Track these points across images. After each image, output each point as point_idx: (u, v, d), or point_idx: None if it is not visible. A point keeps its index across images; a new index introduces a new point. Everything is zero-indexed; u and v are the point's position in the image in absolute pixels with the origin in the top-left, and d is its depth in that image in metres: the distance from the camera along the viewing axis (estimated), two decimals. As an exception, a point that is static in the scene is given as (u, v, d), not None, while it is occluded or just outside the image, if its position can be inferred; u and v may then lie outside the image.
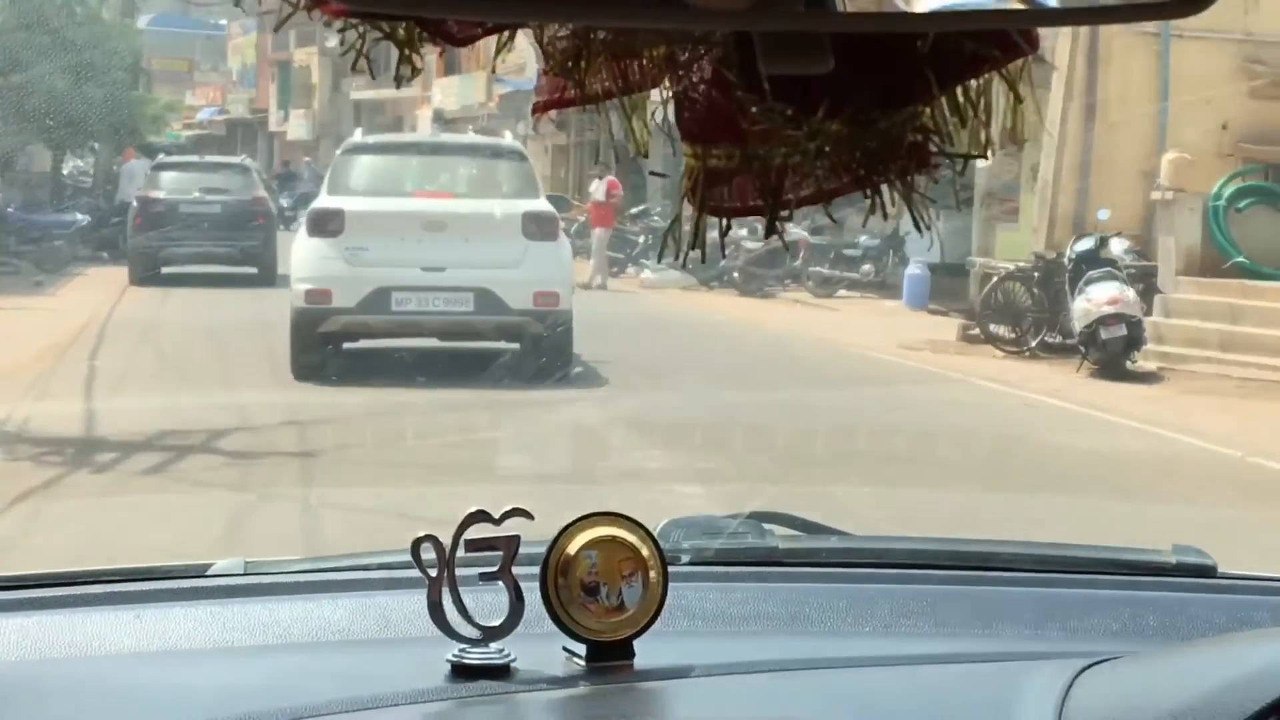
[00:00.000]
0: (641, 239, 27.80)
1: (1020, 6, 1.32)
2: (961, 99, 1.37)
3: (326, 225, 13.97)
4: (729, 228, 1.44)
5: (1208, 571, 2.40)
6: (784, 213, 1.41)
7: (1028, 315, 17.61)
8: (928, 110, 1.37)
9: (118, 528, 8.05)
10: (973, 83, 1.37)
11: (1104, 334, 15.58)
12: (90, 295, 20.76)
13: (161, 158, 28.90)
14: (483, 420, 11.88)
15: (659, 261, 24.86)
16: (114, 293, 21.23)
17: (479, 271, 13.72)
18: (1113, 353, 15.59)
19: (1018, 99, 1.39)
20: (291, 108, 62.53)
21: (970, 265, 21.10)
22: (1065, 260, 17.08)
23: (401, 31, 1.34)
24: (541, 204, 14.69)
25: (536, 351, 14.08)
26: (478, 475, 9.50)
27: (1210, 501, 9.41)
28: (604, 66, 1.41)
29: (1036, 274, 17.82)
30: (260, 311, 17.58)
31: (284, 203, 36.99)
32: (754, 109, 1.35)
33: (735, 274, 24.31)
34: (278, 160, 65.02)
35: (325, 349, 13.90)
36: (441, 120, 49.67)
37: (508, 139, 16.05)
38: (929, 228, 1.41)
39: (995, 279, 18.31)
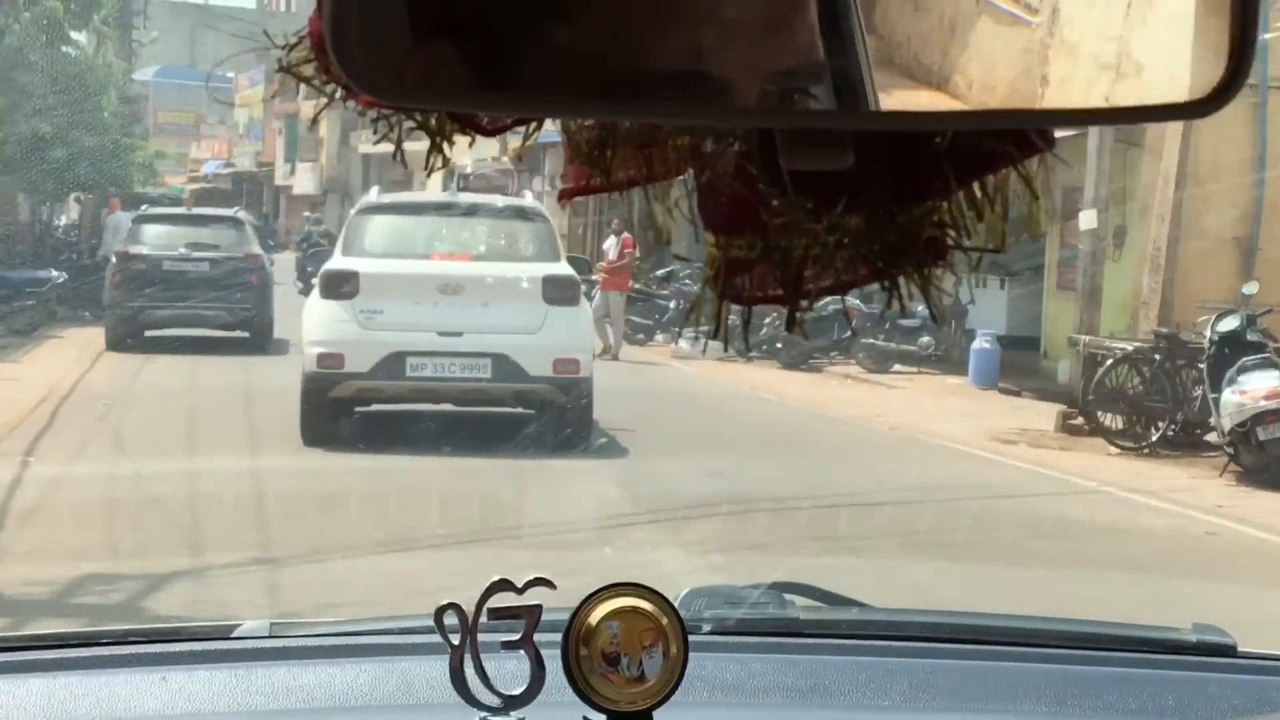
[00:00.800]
0: (672, 304, 26.30)
1: (1035, 108, 1.39)
2: (979, 194, 1.44)
3: (340, 287, 14.04)
4: (750, 317, 1.51)
5: (1228, 651, 2.44)
6: (803, 303, 1.48)
7: (1146, 404, 15.81)
8: (945, 205, 1.44)
9: (138, 592, 8.15)
10: (990, 178, 1.44)
11: (1262, 434, 13.66)
12: (60, 361, 19.89)
13: (145, 209, 27.17)
14: (502, 488, 11.91)
15: (681, 335, 23.98)
16: (87, 359, 20.37)
17: (497, 337, 13.80)
18: (1273, 455, 13.65)
19: (1034, 195, 1.45)
20: (299, 161, 62.92)
21: (1073, 343, 18.90)
22: (1206, 341, 15.10)
23: (433, 121, 1.44)
24: (563, 267, 14.78)
25: (555, 420, 14.12)
26: (497, 542, 9.60)
27: None
28: (629, 155, 1.49)
29: (1157, 356, 15.97)
30: (251, 381, 17.31)
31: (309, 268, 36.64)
32: (775, 202, 1.41)
33: (778, 344, 23.27)
34: (284, 215, 65.36)
35: (336, 414, 13.95)
36: (454, 175, 50.76)
37: (528, 199, 16.16)
38: (941, 318, 1.56)
39: (1109, 361, 16.33)
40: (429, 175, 1.59)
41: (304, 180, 61.26)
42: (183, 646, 2.31)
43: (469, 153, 46.48)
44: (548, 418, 14.22)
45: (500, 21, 1.24)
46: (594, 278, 30.16)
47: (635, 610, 1.94)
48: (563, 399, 13.99)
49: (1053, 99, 1.40)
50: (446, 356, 13.81)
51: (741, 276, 1.48)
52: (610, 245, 24.91)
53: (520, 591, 1.92)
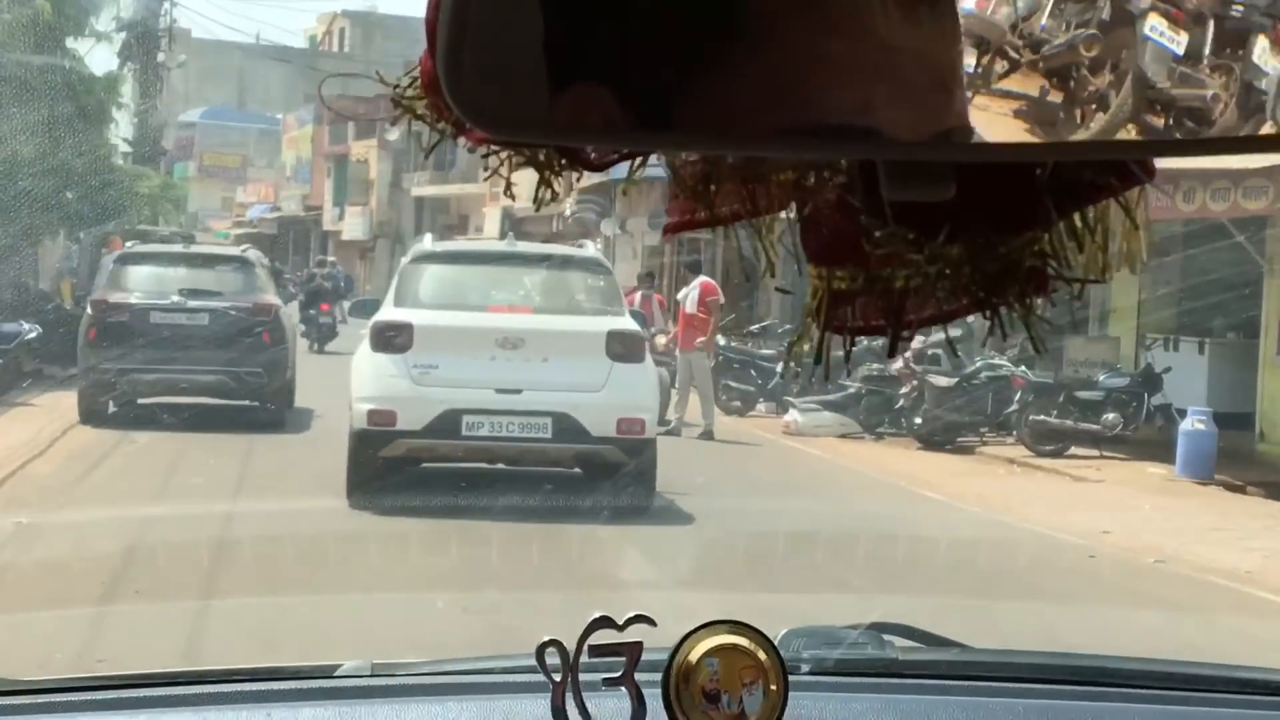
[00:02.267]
0: (778, 367, 23.04)
1: (1136, 139, 1.46)
2: (1079, 225, 1.53)
3: (393, 340, 14.05)
4: (854, 345, 1.61)
5: None
6: (905, 333, 1.57)
7: None
8: (1046, 236, 1.52)
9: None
10: (1091, 209, 1.53)
11: None
12: (19, 435, 16.87)
13: (130, 246, 22.75)
14: (570, 547, 12.01)
15: (794, 404, 21.83)
16: (48, 435, 17.15)
17: (558, 395, 13.78)
18: None
19: (1135, 225, 1.55)
20: (347, 204, 62.89)
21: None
22: None
23: (542, 156, 1.52)
24: (627, 321, 14.83)
25: (618, 483, 14.10)
26: (576, 583, 9.91)
27: None
28: (733, 190, 1.58)
29: None
30: (255, 474, 15.16)
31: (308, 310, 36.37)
32: (877, 233, 1.50)
33: (917, 419, 20.86)
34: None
35: (386, 474, 13.83)
36: (512, 219, 50.28)
37: (589, 249, 16.05)
38: (1046, 350, 1.60)
39: None
40: (538, 209, 1.67)
41: (353, 225, 61.28)
42: (287, 684, 2.43)
43: (526, 191, 46.66)
44: (610, 480, 14.18)
45: (615, 57, 1.34)
46: (659, 333, 28.97)
47: (735, 647, 2.04)
48: (626, 461, 14.01)
49: (1155, 130, 1.45)
50: (505, 415, 13.78)
51: (844, 307, 1.57)
52: (688, 294, 21.35)
53: (621, 629, 2.03)
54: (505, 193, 1.62)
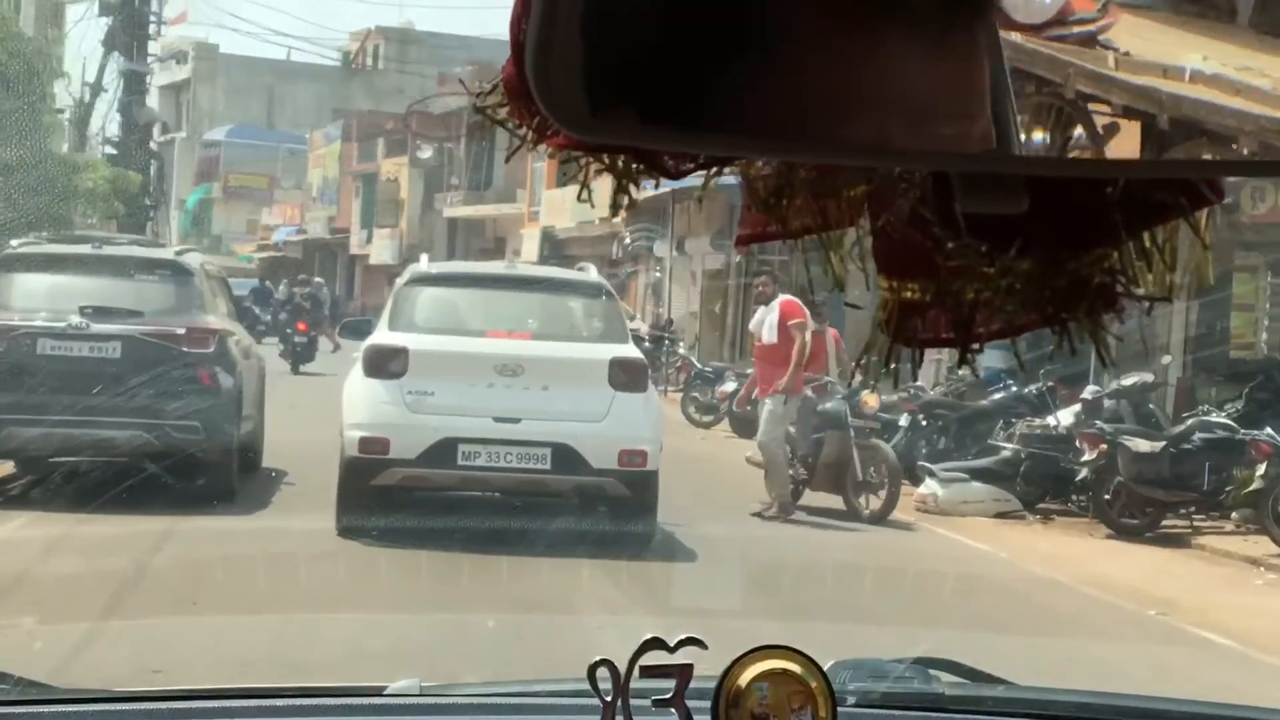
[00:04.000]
0: (903, 419, 19.66)
1: (1208, 158, 1.78)
2: (1148, 244, 1.61)
3: (387, 365, 14.15)
4: (922, 358, 1.71)
5: None
6: (974, 345, 1.66)
7: None
8: (1115, 253, 1.61)
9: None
10: (1160, 228, 1.61)
11: None
12: None
13: (15, 246, 16.32)
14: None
15: (932, 473, 18.03)
16: None
17: (558, 424, 13.90)
18: None
19: (1205, 246, 1.64)
20: (376, 226, 62.47)
21: None
22: None
23: (620, 164, 1.60)
24: (630, 350, 14.91)
25: (618, 517, 14.24)
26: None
27: None
28: (805, 204, 1.68)
29: None
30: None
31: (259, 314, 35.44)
32: (949, 245, 1.59)
33: (1106, 495, 16.83)
34: (359, 289, 65.15)
35: (377, 504, 13.90)
36: (553, 241, 48.28)
37: (592, 273, 16.15)
38: (1114, 363, 1.74)
39: None
40: (614, 216, 1.83)
41: (381, 248, 60.68)
42: (337, 701, 2.54)
43: (567, 212, 44.12)
44: (611, 512, 14.35)
45: (701, 61, 1.42)
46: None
47: (785, 673, 2.14)
48: (627, 494, 14.08)
49: (1224, 150, 1.66)
50: (502, 444, 13.88)
51: (914, 319, 1.66)
52: (762, 316, 17.08)
53: (672, 650, 2.11)
54: (579, 197, 1.69)
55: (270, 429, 17.28)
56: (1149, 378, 19.35)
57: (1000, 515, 17.41)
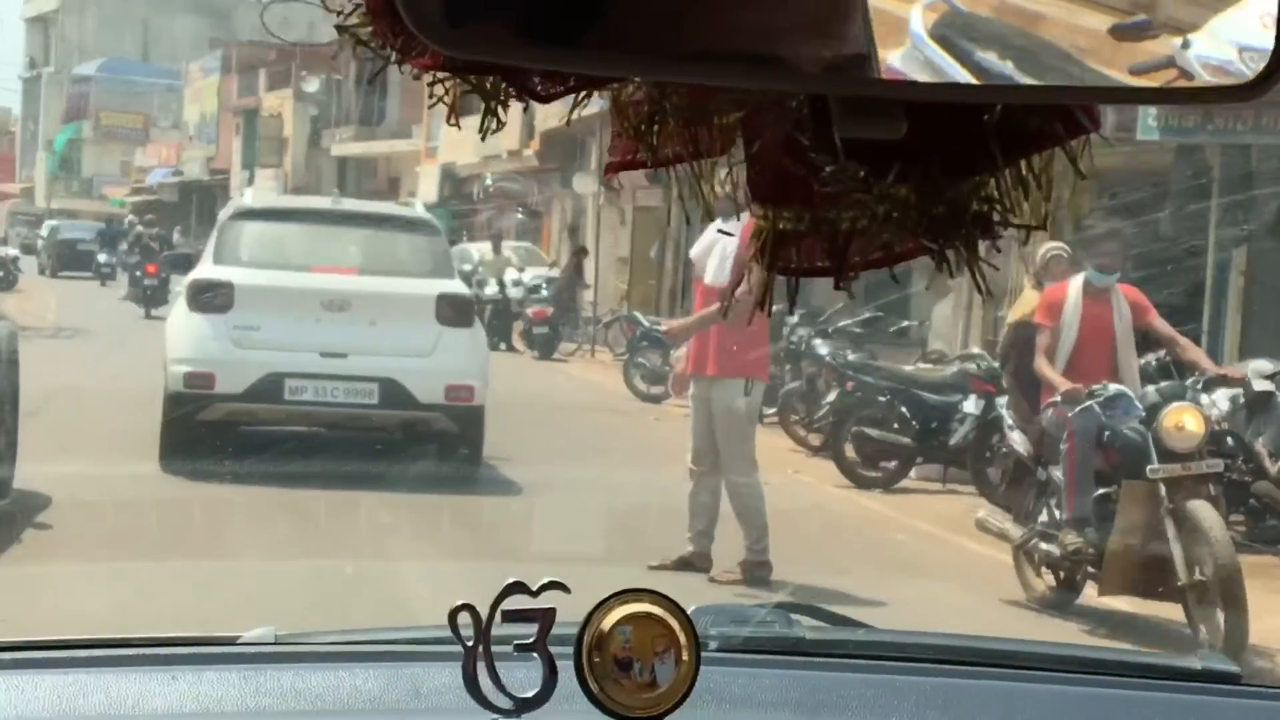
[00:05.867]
0: (967, 403, 15.68)
1: (1085, 84, 1.58)
2: (1025, 172, 1.66)
3: (212, 299, 14.42)
4: (798, 287, 1.72)
5: (1233, 678, 2.73)
6: (850, 274, 1.69)
7: None
8: (993, 181, 1.65)
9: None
10: (1036, 157, 1.65)
11: None
12: None
13: None
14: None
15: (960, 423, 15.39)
16: None
17: (385, 360, 14.28)
18: None
19: (1079, 175, 1.66)
20: (258, 166, 60.09)
21: None
22: None
23: (489, 85, 1.61)
24: (456, 285, 15.29)
25: (444, 450, 14.62)
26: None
27: None
28: (677, 132, 1.70)
29: None
30: None
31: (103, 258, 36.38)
32: (826, 171, 1.61)
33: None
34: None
35: (202, 439, 14.17)
36: (454, 179, 47.00)
37: (418, 208, 16.66)
38: (990, 294, 1.95)
39: None
40: (484, 138, 1.71)
41: (265, 191, 57.71)
42: (189, 650, 2.56)
43: (470, 146, 41.23)
44: (436, 447, 14.67)
45: None
46: (657, 328, 23.07)
47: (649, 616, 2.19)
48: (454, 429, 14.48)
49: (1101, 77, 1.57)
50: (329, 379, 14.26)
51: (788, 248, 1.68)
52: (712, 245, 10.86)
53: (535, 595, 2.15)
54: (448, 121, 1.67)
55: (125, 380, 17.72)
56: None
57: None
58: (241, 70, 64.13)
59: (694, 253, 11.49)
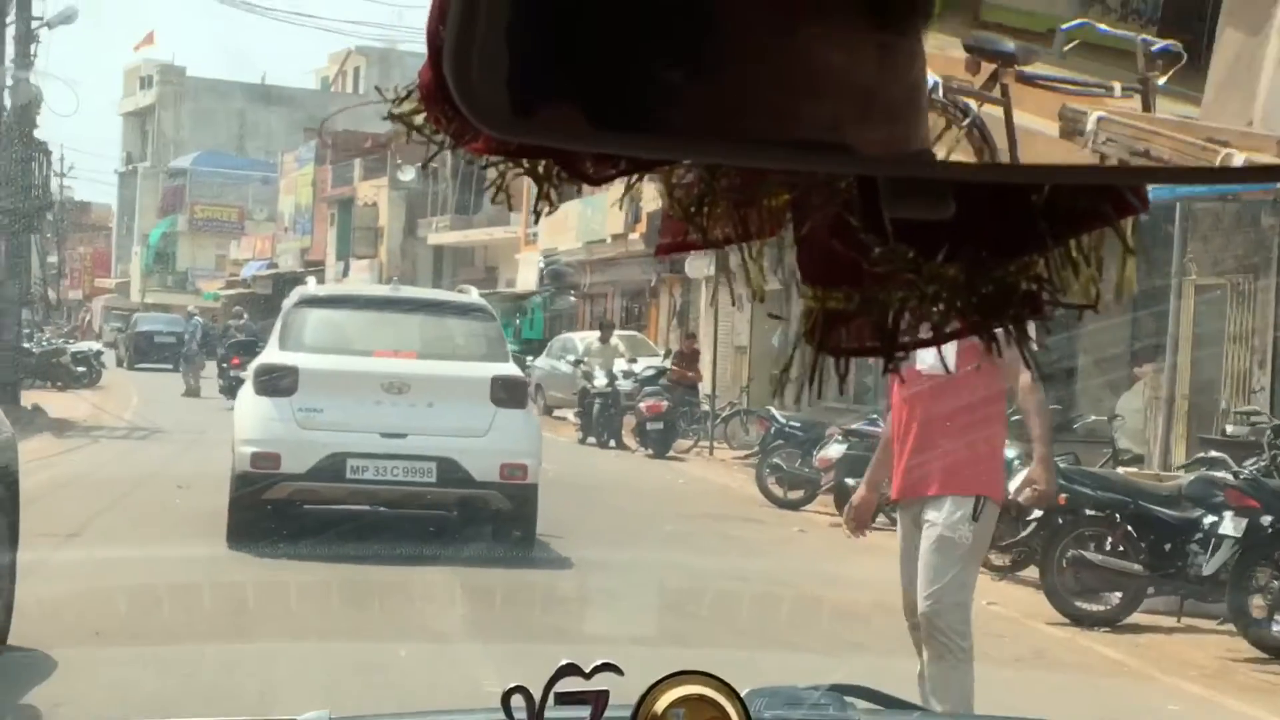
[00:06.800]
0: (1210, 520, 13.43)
1: (1136, 165, 1.62)
2: (1074, 251, 1.69)
3: (278, 383, 15.18)
4: (848, 368, 1.74)
5: None
6: (899, 354, 1.72)
7: None
8: (1041, 260, 1.69)
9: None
10: (1086, 236, 1.69)
11: None
12: None
13: None
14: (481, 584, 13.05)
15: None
16: None
17: (443, 440, 15.00)
18: None
19: (1129, 253, 1.69)
20: (353, 256, 59.72)
21: None
22: None
23: (540, 169, 1.67)
24: (510, 368, 15.98)
25: (499, 528, 15.32)
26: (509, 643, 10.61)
27: None
28: (726, 213, 1.75)
29: None
30: None
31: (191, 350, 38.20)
32: (876, 251, 1.65)
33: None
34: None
35: (268, 517, 15.03)
36: (556, 265, 44.88)
37: (473, 295, 17.87)
38: (1045, 376, 1.74)
39: None
40: (537, 221, 2.48)
41: (360, 282, 54.88)
42: None
43: (571, 232, 40.84)
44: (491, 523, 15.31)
45: (624, 61, 1.47)
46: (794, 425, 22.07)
47: (702, 698, 2.24)
48: (509, 506, 15.16)
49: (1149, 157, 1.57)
50: (389, 459, 15.00)
51: (838, 328, 1.72)
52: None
53: (588, 676, 2.21)
54: (493, 200, 1.75)
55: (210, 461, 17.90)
56: None
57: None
58: (336, 160, 63.46)
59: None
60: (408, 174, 56.95)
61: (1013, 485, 10.27)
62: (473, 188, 52.81)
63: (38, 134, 34.34)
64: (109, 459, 21.87)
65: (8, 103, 32.91)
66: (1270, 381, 19.93)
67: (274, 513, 15.18)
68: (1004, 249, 1.65)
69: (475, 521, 15.67)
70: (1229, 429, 18.42)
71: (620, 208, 34.22)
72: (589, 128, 1.45)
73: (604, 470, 24.66)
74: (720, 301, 32.42)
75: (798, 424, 21.90)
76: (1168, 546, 13.69)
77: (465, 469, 15.17)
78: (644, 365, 31.26)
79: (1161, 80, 1.63)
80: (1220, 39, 1.63)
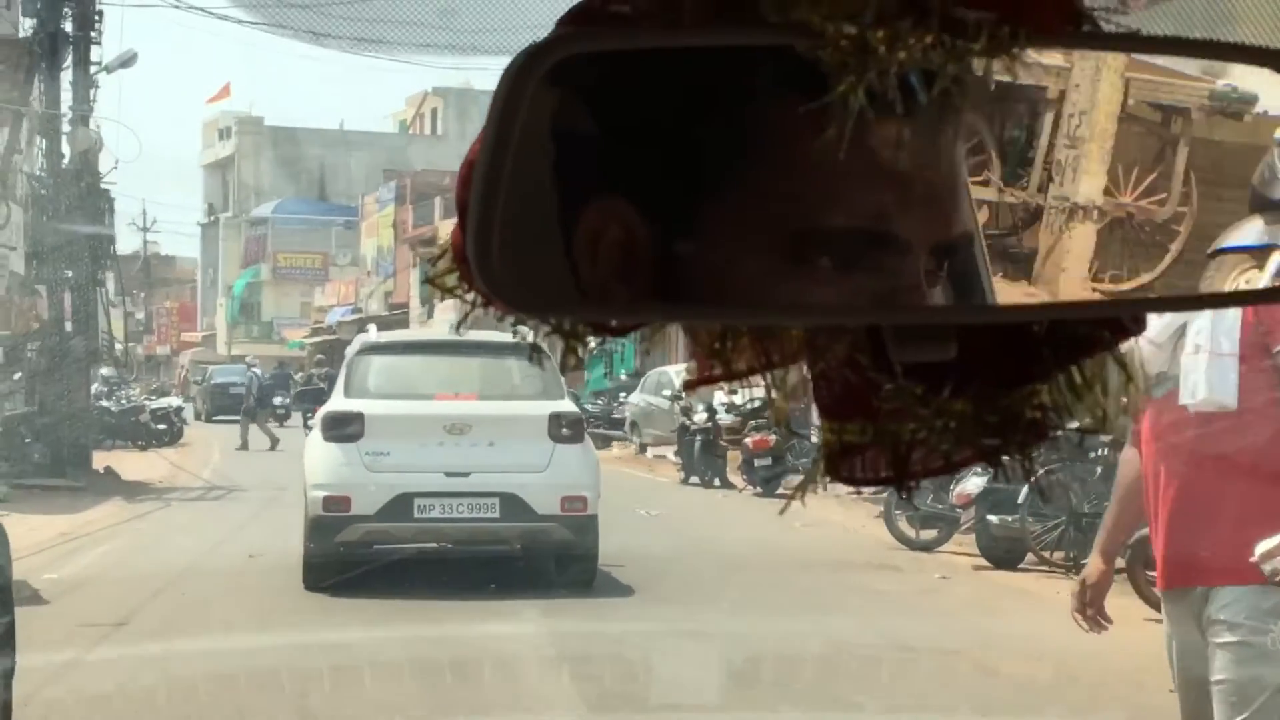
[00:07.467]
0: None
1: (1130, 296, 1.81)
2: (1077, 377, 1.84)
3: (345, 429, 15.99)
4: (860, 493, 2.26)
5: None
6: (911, 483, 1.87)
7: None
8: (1045, 388, 1.84)
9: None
10: (1087, 362, 1.83)
11: None
12: None
13: None
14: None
15: None
16: None
17: (504, 476, 15.78)
18: None
19: (1129, 377, 1.82)
20: (438, 300, 56.34)
21: None
22: None
23: (567, 325, 1.78)
24: (567, 404, 16.72)
25: (562, 558, 16.08)
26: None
27: None
28: (747, 348, 1.87)
29: None
30: None
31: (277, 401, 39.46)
32: (886, 389, 1.79)
33: None
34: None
35: (342, 558, 15.79)
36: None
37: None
38: (1048, 499, 1.94)
39: None
40: (564, 371, 2.11)
41: (445, 326, 55.35)
42: None
43: None
44: (553, 556, 16.06)
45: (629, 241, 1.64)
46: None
47: None
48: (571, 538, 15.89)
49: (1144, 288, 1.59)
50: (454, 497, 15.83)
51: (854, 459, 1.85)
52: (1179, 333, 5.59)
53: None
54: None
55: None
56: None
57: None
58: (416, 200, 63.43)
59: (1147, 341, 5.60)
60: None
61: None
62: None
63: (108, 185, 33.76)
64: (179, 525, 21.87)
65: (66, 150, 32.28)
66: None
67: (347, 552, 15.93)
68: (1009, 379, 1.75)
69: (539, 555, 16.45)
70: None
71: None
72: (605, 303, 1.60)
73: (710, 515, 23.69)
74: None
75: None
76: None
77: (527, 503, 15.89)
78: (746, 396, 29.84)
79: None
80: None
